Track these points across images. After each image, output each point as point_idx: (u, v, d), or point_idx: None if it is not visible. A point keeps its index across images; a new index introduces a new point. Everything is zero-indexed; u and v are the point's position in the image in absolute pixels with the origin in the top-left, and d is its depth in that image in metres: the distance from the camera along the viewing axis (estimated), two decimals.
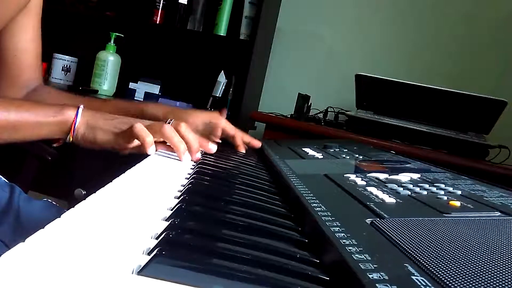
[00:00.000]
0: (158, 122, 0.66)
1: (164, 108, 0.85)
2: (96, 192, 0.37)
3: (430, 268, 0.25)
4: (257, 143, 0.87)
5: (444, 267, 0.26)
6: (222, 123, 0.85)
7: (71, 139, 0.64)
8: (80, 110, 0.64)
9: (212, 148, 0.71)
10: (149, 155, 0.62)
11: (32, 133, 0.63)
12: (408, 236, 0.31)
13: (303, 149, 0.81)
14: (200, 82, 2.05)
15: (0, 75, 0.82)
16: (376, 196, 0.43)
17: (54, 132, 0.64)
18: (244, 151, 0.84)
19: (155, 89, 1.98)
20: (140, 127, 0.62)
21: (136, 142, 0.64)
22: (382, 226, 0.33)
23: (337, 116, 1.66)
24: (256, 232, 0.33)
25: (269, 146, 0.86)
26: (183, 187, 0.46)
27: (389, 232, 0.32)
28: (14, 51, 0.81)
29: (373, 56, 1.93)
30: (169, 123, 0.66)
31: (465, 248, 0.29)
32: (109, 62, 1.92)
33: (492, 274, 0.25)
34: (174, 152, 0.66)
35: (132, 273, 0.24)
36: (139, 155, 0.62)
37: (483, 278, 0.24)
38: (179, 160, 0.65)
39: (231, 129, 0.85)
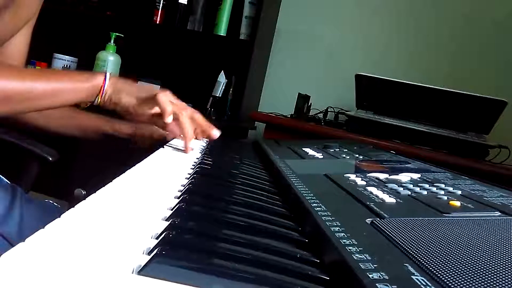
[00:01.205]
0: (181, 102, 0.74)
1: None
2: (96, 192, 0.37)
3: (430, 268, 0.25)
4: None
5: (444, 267, 0.26)
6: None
7: (99, 101, 0.71)
8: (108, 74, 0.71)
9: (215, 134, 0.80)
10: (156, 149, 0.68)
11: (68, 98, 0.69)
12: (408, 236, 0.31)
13: (303, 149, 0.81)
14: (200, 82, 2.05)
15: None
16: (376, 196, 0.43)
17: (87, 95, 0.70)
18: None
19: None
20: (163, 97, 0.71)
21: (155, 110, 0.71)
22: (382, 226, 0.33)
23: (337, 116, 1.66)
24: (256, 232, 0.33)
25: (269, 146, 0.86)
26: (183, 187, 0.46)
27: (389, 232, 0.32)
28: (9, 52, 0.83)
29: (373, 56, 1.93)
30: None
31: (465, 248, 0.29)
32: (109, 62, 1.91)
33: (492, 274, 0.25)
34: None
35: (132, 272, 0.24)
36: (138, 155, 0.62)
37: (483, 277, 0.24)
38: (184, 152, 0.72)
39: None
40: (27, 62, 0.92)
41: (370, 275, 0.24)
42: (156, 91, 0.72)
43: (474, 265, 0.26)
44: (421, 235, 0.32)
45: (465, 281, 0.24)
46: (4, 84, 0.62)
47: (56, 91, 0.67)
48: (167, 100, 0.71)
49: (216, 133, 0.80)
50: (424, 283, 0.24)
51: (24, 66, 0.89)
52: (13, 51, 0.83)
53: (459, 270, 0.25)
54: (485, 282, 0.24)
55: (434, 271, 0.25)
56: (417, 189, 0.47)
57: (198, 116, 0.77)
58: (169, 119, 0.70)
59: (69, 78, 0.69)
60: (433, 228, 0.34)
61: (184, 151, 0.73)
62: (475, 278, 0.24)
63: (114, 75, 0.72)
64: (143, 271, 0.24)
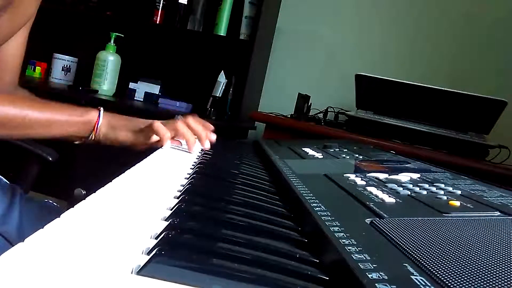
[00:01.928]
0: (171, 120, 0.75)
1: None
2: (96, 192, 0.37)
3: (430, 268, 0.25)
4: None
5: (444, 267, 0.26)
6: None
7: (93, 138, 0.72)
8: (101, 112, 0.72)
9: (213, 138, 0.81)
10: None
11: (61, 131, 0.70)
12: (408, 236, 0.31)
13: (303, 149, 0.81)
14: (200, 82, 2.05)
15: None
16: (376, 196, 0.43)
17: (80, 130, 0.71)
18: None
19: (155, 89, 1.98)
20: (158, 124, 0.72)
21: (153, 138, 0.73)
22: (381, 226, 0.33)
23: (337, 116, 1.66)
24: (256, 232, 0.33)
25: (269, 146, 0.86)
26: (183, 187, 0.46)
27: (388, 232, 0.32)
28: (5, 55, 0.82)
29: (373, 56, 1.93)
30: (176, 118, 0.77)
31: (465, 247, 0.29)
32: (109, 62, 1.92)
33: (492, 274, 0.25)
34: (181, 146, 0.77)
35: (132, 273, 0.24)
36: (139, 155, 0.63)
37: (483, 277, 0.24)
38: (188, 152, 0.73)
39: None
40: (26, 63, 0.91)
41: (370, 275, 0.24)
42: (150, 121, 0.74)
43: (474, 265, 0.26)
44: (420, 235, 0.32)
45: (465, 281, 0.24)
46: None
47: (49, 121, 0.68)
48: (163, 127, 0.72)
49: (207, 144, 0.77)
50: (424, 283, 0.24)
51: (21, 68, 0.88)
52: (9, 54, 0.83)
53: (459, 270, 0.25)
54: (485, 282, 0.24)
55: (434, 271, 0.25)
56: (417, 189, 0.47)
57: (193, 123, 0.76)
58: (166, 145, 0.72)
59: (63, 111, 0.70)
60: (432, 228, 0.34)
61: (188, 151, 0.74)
62: (474, 278, 0.24)
63: (107, 112, 0.73)
64: (142, 271, 0.24)
